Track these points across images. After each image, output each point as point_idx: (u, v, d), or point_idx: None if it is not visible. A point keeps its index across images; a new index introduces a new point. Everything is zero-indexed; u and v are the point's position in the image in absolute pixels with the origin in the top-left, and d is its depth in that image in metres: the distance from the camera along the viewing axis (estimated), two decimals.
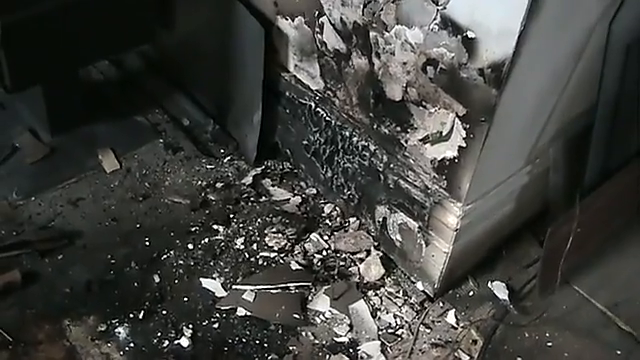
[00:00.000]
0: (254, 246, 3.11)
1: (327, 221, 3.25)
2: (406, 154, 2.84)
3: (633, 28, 2.79)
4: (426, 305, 3.01)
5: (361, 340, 2.87)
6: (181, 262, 3.01)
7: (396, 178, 2.91)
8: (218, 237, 3.12)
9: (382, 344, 2.86)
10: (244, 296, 2.91)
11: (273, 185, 3.38)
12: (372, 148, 2.96)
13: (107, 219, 3.12)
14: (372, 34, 2.71)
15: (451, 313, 2.98)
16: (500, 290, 3.05)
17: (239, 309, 2.88)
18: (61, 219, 3.08)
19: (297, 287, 2.97)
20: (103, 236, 3.06)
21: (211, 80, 3.53)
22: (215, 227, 3.15)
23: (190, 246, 3.07)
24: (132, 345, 2.72)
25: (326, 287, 2.99)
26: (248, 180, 3.36)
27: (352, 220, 3.24)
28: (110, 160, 3.33)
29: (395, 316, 2.96)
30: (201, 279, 2.96)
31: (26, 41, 2.91)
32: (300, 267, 3.04)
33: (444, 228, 2.82)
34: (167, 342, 2.74)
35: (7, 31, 2.82)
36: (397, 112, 2.78)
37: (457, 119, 2.56)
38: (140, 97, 3.65)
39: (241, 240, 3.12)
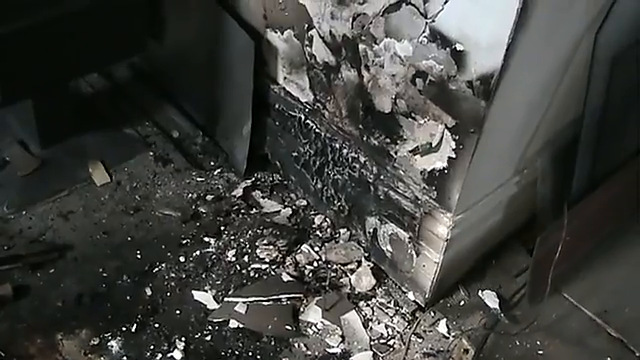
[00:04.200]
0: (245, 258, 3.11)
1: (318, 232, 3.26)
2: (396, 165, 2.86)
3: (618, 40, 2.82)
4: (417, 315, 3.03)
5: (353, 351, 2.88)
6: (173, 275, 3.01)
7: (386, 189, 2.93)
8: (209, 249, 3.13)
9: (374, 354, 2.87)
10: (236, 308, 2.91)
11: (263, 197, 3.39)
12: (362, 159, 2.98)
13: (98, 232, 3.12)
14: (361, 47, 2.73)
15: (442, 323, 3.00)
16: (490, 299, 3.07)
17: (231, 321, 2.88)
18: (52, 232, 3.08)
19: (289, 298, 2.98)
20: (94, 249, 3.06)
21: (200, 92, 3.54)
22: (206, 239, 3.16)
23: (181, 258, 3.07)
24: (125, 358, 2.72)
25: (317, 298, 3.00)
26: (238, 192, 3.36)
27: (343, 231, 3.26)
28: (100, 173, 3.34)
29: (387, 326, 2.97)
30: (193, 291, 2.96)
31: (16, 54, 2.91)
32: (291, 278, 3.04)
33: (434, 238, 2.84)
34: (160, 355, 2.75)
35: None
36: (386, 124, 2.80)
37: (446, 130, 2.58)
38: (130, 109, 3.65)
39: (232, 252, 3.13)
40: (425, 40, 2.47)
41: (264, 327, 2.88)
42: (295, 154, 3.28)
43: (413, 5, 2.45)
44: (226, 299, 2.95)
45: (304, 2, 2.85)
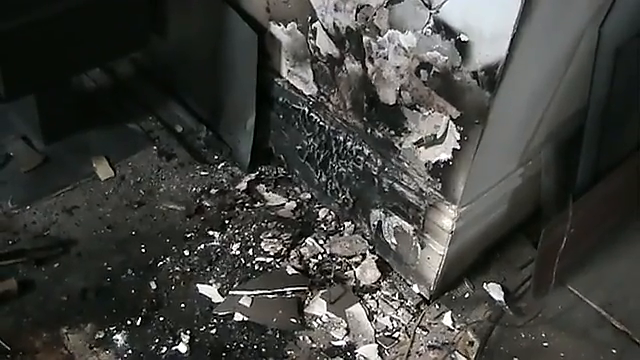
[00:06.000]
0: (250, 251, 3.11)
1: (322, 225, 3.26)
2: (400, 157, 2.85)
3: (622, 31, 2.82)
4: (422, 307, 3.03)
5: (358, 343, 2.88)
6: (177, 268, 3.01)
7: (391, 182, 2.93)
8: (214, 243, 3.13)
9: (379, 347, 2.87)
10: (241, 301, 2.91)
11: (267, 190, 3.39)
12: (366, 152, 2.98)
13: (102, 227, 3.12)
14: (365, 39, 2.72)
15: (447, 315, 3.00)
16: (495, 291, 3.07)
17: (236, 314, 2.88)
18: (56, 227, 3.08)
19: (294, 292, 2.98)
20: (98, 244, 3.06)
21: (204, 86, 3.54)
22: (210, 233, 3.16)
23: (186, 252, 3.07)
24: (130, 352, 2.72)
25: (322, 291, 3.00)
26: (242, 186, 3.36)
27: (347, 224, 3.26)
28: (104, 168, 3.34)
29: (392, 319, 2.97)
30: (198, 285, 2.96)
31: (18, 50, 2.91)
32: (296, 272, 3.04)
33: (439, 230, 2.83)
34: (165, 348, 2.75)
35: (0, 40, 2.82)
36: (391, 116, 2.80)
37: (451, 122, 2.58)
38: (133, 104, 3.65)
39: (237, 246, 3.13)
40: (429, 31, 2.47)
41: (269, 320, 2.88)
42: (299, 147, 3.28)
43: None
44: (231, 292, 2.95)
45: None
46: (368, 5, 2.64)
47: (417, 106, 2.67)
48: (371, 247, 3.17)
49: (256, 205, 3.30)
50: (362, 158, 3.00)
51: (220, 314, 2.89)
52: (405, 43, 2.58)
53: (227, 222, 3.21)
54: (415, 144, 2.76)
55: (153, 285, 2.94)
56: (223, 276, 3.01)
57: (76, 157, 3.36)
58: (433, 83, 2.56)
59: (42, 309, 2.81)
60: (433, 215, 2.83)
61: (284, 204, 3.33)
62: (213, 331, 2.83)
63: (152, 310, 2.86)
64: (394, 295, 3.05)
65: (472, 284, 3.11)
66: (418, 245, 2.94)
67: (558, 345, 2.95)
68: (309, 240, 3.18)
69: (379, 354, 2.85)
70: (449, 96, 2.54)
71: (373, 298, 3.03)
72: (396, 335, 2.92)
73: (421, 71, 2.57)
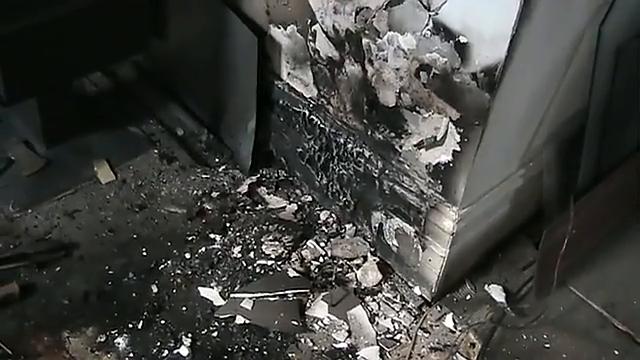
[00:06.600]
0: (251, 254, 3.11)
1: (323, 228, 3.26)
2: (401, 159, 2.85)
3: (623, 30, 2.81)
4: (424, 309, 3.02)
5: (360, 346, 2.88)
6: (179, 271, 3.01)
7: (391, 184, 2.93)
8: (215, 246, 3.12)
9: (381, 349, 2.87)
10: (242, 304, 2.91)
11: (269, 193, 3.38)
12: (367, 154, 2.98)
13: (104, 230, 3.12)
14: (365, 41, 2.72)
15: (449, 317, 2.99)
16: (497, 293, 3.07)
17: (238, 317, 2.88)
18: (58, 231, 3.09)
19: (295, 294, 2.97)
20: (100, 247, 3.06)
21: (205, 89, 3.54)
22: (212, 236, 3.16)
23: (187, 255, 3.07)
24: (132, 355, 2.72)
25: (324, 294, 3.00)
26: (243, 189, 3.36)
27: (348, 226, 3.25)
28: (105, 171, 3.34)
29: (393, 321, 2.97)
30: (199, 288, 2.96)
31: (19, 53, 2.91)
32: (297, 274, 3.04)
33: (440, 232, 2.83)
34: (167, 352, 2.75)
35: (1, 43, 2.83)
36: (391, 118, 2.79)
37: (451, 123, 2.58)
38: (134, 107, 3.65)
39: (238, 249, 3.13)
40: (428, 33, 2.47)
41: (271, 323, 2.88)
42: (300, 150, 3.28)
43: None
44: (232, 295, 2.95)
45: None
46: (367, 7, 2.64)
47: (417, 108, 2.67)
48: (372, 249, 3.17)
49: (257, 208, 3.30)
50: (363, 160, 3.00)
51: (221, 317, 2.89)
52: (404, 45, 2.58)
53: (228, 225, 3.21)
54: (415, 146, 2.76)
55: (154, 288, 2.94)
56: (224, 279, 3.01)
57: (77, 160, 3.36)
58: (433, 85, 2.56)
59: (44, 313, 2.81)
60: (434, 217, 2.82)
61: (285, 207, 3.33)
62: (215, 334, 2.83)
63: (153, 313, 2.86)
64: (395, 297, 3.05)
65: (474, 285, 3.11)
66: (419, 247, 2.94)
67: (560, 346, 2.95)
68: (310, 242, 3.18)
69: (381, 356, 2.85)
70: (449, 98, 2.53)
71: (374, 300, 3.02)
72: (398, 337, 2.92)
73: (421, 73, 2.57)
